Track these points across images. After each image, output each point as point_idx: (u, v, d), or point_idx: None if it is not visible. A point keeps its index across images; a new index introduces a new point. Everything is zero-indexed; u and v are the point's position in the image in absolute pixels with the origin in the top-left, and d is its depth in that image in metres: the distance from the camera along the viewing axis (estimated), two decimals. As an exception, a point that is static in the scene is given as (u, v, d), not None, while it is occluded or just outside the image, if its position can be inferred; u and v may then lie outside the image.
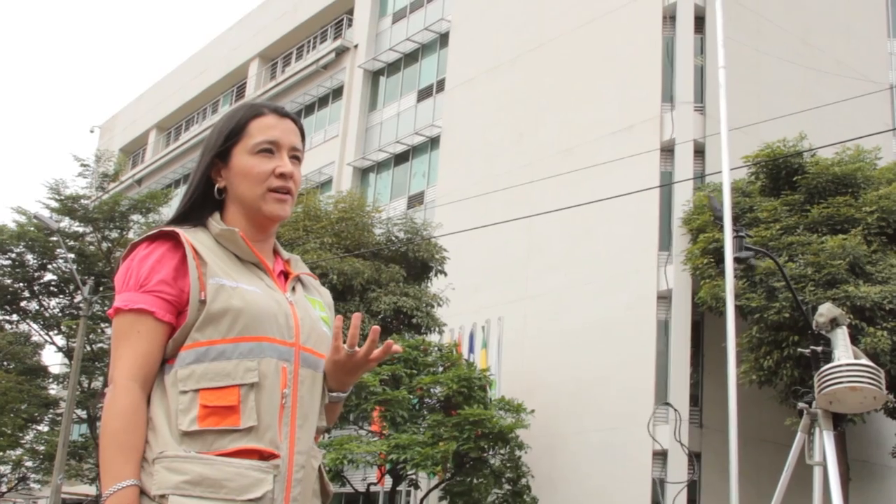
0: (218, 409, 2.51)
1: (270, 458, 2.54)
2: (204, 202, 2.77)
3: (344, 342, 2.76)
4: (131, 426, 2.48)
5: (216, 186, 2.77)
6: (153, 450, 2.49)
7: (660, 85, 29.87)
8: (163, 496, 2.43)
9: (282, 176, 2.74)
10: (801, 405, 6.07)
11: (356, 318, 2.83)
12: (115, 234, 34.16)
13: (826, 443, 5.88)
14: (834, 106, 26.71)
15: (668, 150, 29.15)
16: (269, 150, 2.74)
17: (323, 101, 47.98)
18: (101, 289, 32.46)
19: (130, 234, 33.94)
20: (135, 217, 34.17)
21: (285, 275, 2.83)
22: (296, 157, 2.81)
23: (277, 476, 2.54)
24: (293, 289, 2.80)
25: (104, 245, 34.12)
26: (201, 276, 2.58)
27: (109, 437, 2.47)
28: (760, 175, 26.34)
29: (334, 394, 2.86)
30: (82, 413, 36.11)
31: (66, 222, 33.92)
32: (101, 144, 63.02)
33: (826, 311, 6.01)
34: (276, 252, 2.87)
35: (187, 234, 2.64)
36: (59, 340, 37.08)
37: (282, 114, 2.83)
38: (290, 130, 2.80)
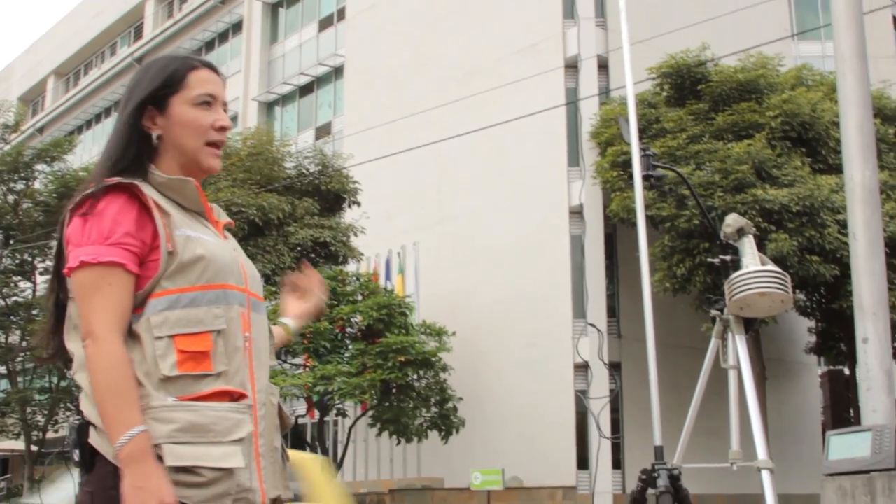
0: (193, 354, 2.58)
1: (241, 399, 2.64)
2: (139, 152, 2.78)
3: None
4: (127, 375, 2.52)
5: (153, 134, 2.79)
6: None
7: (560, 2, 29.93)
8: (156, 446, 2.49)
9: (221, 129, 2.82)
10: (713, 312, 6.27)
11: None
12: (20, 186, 33.58)
13: (739, 347, 6.10)
14: (734, 14, 26.98)
15: (572, 67, 29.29)
16: (208, 102, 2.81)
17: (223, 37, 47.35)
18: (10, 242, 31.98)
19: (36, 185, 33.45)
20: (39, 167, 33.61)
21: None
22: (226, 112, 2.89)
23: (249, 415, 2.65)
24: (225, 236, 2.88)
25: (10, 197, 33.54)
26: (166, 227, 2.63)
27: (109, 388, 2.50)
28: (665, 86, 26.61)
29: (295, 331, 3.25)
30: (1, 369, 35.70)
31: (-31, 177, 33.28)
32: (-1, 94, 61.70)
33: (732, 221, 6.21)
34: None
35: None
36: (-28, 296, 36.53)
37: (213, 69, 2.90)
38: (221, 85, 2.88)
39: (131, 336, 2.61)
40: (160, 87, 2.79)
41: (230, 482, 2.54)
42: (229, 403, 2.61)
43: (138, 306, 2.63)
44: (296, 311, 3.23)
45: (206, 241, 2.69)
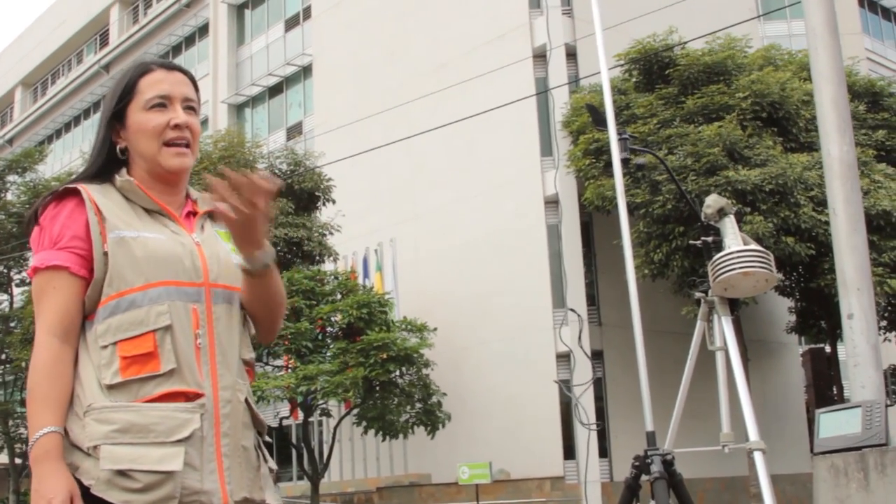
0: (137, 357, 2.57)
1: (196, 398, 2.61)
2: (110, 163, 2.80)
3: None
4: (50, 377, 2.53)
5: (118, 147, 2.80)
6: (82, 404, 2.55)
7: (526, -9, 29.93)
8: (95, 447, 2.50)
9: (177, 127, 2.77)
10: (697, 294, 6.23)
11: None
12: (-8, 198, 33.44)
13: (725, 328, 6.07)
14: (698, -3, 27.02)
15: (540, 56, 29.27)
16: (162, 104, 2.77)
17: (189, 41, 47.14)
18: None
19: (9, 196, 33.28)
20: (11, 178, 33.49)
21: (195, 215, 2.86)
22: (191, 108, 2.83)
23: (205, 414, 2.61)
24: (202, 227, 2.84)
25: (-18, 210, 33.35)
26: (103, 230, 2.63)
27: (31, 390, 2.54)
28: (633, 72, 26.63)
29: (250, 266, 2.74)
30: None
31: (-60, 189, 33.09)
32: (-34, 108, 61.41)
33: (713, 202, 6.18)
34: (187, 196, 2.90)
35: (93, 191, 2.69)
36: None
37: (170, 67, 2.86)
38: (180, 82, 2.83)
39: (85, 343, 2.64)
40: (119, 101, 2.81)
41: (172, 485, 2.51)
42: (178, 403, 2.58)
43: (91, 313, 2.65)
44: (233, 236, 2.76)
45: (146, 239, 2.67)
